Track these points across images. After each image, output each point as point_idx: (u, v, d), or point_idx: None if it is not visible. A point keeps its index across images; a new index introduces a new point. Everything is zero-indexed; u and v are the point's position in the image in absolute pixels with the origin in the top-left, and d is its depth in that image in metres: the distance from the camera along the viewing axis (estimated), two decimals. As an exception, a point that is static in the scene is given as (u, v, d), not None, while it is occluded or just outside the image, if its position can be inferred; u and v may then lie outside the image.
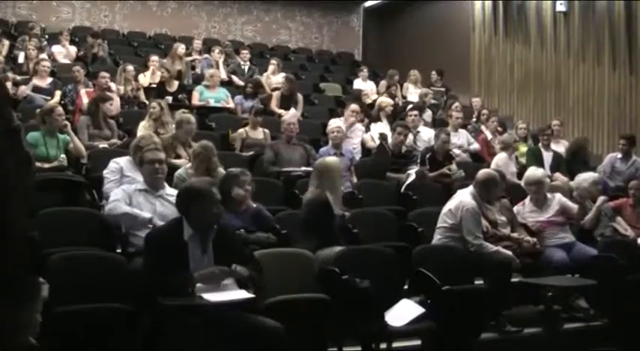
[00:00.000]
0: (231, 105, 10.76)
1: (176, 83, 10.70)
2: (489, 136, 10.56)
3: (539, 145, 9.70)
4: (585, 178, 7.71)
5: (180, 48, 12.43)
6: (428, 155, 8.50)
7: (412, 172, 8.26)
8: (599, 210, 7.35)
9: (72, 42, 12.96)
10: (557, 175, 8.14)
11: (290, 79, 11.31)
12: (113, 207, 5.42)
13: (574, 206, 7.01)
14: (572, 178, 8.09)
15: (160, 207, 5.49)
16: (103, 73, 10.09)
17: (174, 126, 7.98)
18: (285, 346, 4.23)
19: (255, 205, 5.92)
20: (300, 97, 11.15)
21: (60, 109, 7.48)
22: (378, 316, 4.99)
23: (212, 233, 4.48)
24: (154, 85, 10.92)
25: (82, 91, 9.75)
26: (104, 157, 6.97)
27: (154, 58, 11.72)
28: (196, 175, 6.27)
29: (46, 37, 12.97)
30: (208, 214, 4.46)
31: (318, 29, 17.84)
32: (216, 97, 10.71)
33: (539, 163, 8.94)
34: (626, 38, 11.11)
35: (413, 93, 12.75)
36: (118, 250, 5.40)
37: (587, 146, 10.09)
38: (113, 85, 10.19)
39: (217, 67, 12.38)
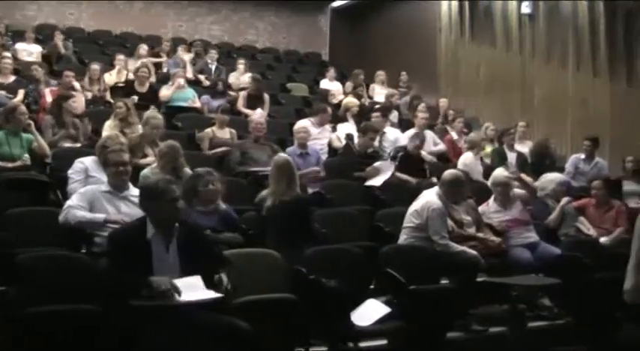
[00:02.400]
0: (198, 105, 10.72)
1: (147, 84, 10.64)
2: (455, 136, 10.63)
3: (504, 145, 9.80)
4: (551, 178, 7.81)
5: (142, 49, 12.37)
6: (400, 153, 8.64)
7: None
8: (563, 210, 7.44)
9: (37, 40, 12.80)
10: (522, 175, 8.21)
11: (257, 78, 11.32)
12: (65, 215, 5.37)
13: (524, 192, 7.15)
14: (536, 179, 8.18)
15: (125, 208, 5.46)
16: (67, 72, 9.99)
17: (140, 126, 7.93)
18: (253, 346, 4.22)
19: (224, 207, 5.91)
20: (267, 97, 11.15)
21: (23, 107, 7.39)
22: (345, 316, 5.00)
23: (175, 231, 4.46)
24: (121, 85, 10.85)
25: (47, 90, 9.65)
26: (69, 156, 6.89)
27: (120, 57, 11.64)
28: (163, 175, 6.23)
29: (10, 34, 12.82)
30: (167, 211, 4.44)
31: (285, 29, 17.82)
32: (183, 96, 10.66)
33: (504, 163, 9.03)
34: (590, 41, 11.23)
35: (380, 94, 12.81)
36: (83, 251, 5.35)
37: (549, 147, 10.21)
38: (77, 85, 10.09)
39: (184, 67, 12.32)
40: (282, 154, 7.03)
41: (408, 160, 8.60)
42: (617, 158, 9.96)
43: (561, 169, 9.34)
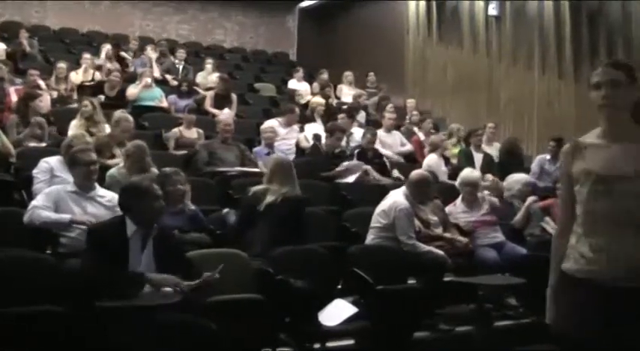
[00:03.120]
0: (165, 104, 10.67)
1: (117, 88, 10.56)
2: (422, 137, 10.68)
3: (471, 146, 9.87)
4: (517, 179, 7.87)
5: (107, 48, 12.29)
6: (357, 151, 8.77)
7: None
8: (529, 210, 7.51)
9: (1, 38, 12.66)
10: (488, 176, 8.27)
11: (225, 78, 11.30)
12: (30, 216, 5.32)
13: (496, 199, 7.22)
14: (503, 179, 8.24)
15: (92, 208, 5.42)
16: (32, 71, 9.89)
17: (107, 125, 7.87)
18: (220, 346, 4.22)
19: (193, 207, 5.89)
20: (234, 96, 11.12)
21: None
22: (313, 316, 5.00)
23: (154, 231, 4.46)
24: (88, 84, 10.77)
25: (12, 89, 9.53)
26: (34, 156, 6.81)
27: (87, 55, 11.54)
28: (129, 175, 6.21)
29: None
30: (150, 209, 4.45)
31: (253, 29, 17.80)
32: (150, 95, 10.61)
33: (471, 164, 9.10)
34: (556, 43, 11.35)
35: (347, 94, 12.85)
36: (48, 251, 5.30)
37: (519, 145, 10.30)
38: (43, 83, 9.99)
39: (151, 66, 12.25)
40: (280, 154, 7.00)
41: (364, 155, 8.72)
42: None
43: (528, 170, 9.42)
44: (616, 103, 3.06)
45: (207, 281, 4.33)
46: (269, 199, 5.88)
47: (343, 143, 9.17)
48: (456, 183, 7.47)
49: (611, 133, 3.09)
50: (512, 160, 9.70)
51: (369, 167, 8.36)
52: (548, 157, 9.74)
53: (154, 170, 6.39)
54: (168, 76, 12.44)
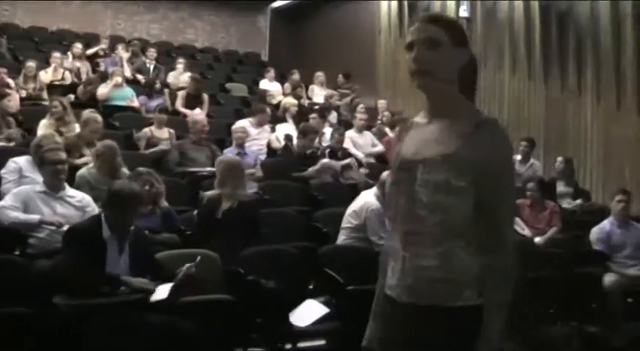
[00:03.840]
0: (136, 104, 10.61)
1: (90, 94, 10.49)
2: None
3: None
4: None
5: (76, 47, 12.20)
6: (327, 151, 8.79)
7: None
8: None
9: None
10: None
11: (196, 78, 11.27)
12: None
13: None
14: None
15: (61, 208, 5.39)
16: (0, 69, 9.80)
17: (77, 125, 7.81)
18: (192, 346, 4.21)
19: (166, 204, 5.88)
20: (205, 96, 11.09)
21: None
22: (284, 316, 5.01)
23: (130, 235, 4.46)
24: (57, 83, 10.68)
25: (-20, 88, 9.44)
26: (2, 156, 6.74)
27: (56, 54, 11.44)
28: (99, 176, 6.18)
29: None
30: (129, 217, 4.50)
31: (225, 29, 17.75)
32: (120, 95, 10.54)
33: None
34: (525, 45, 11.45)
35: (319, 95, 12.87)
36: (17, 252, 5.25)
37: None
38: (12, 82, 9.90)
39: (122, 66, 12.17)
40: (229, 155, 7.01)
41: (334, 155, 8.76)
42: (551, 160, 10.17)
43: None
44: (431, 70, 2.32)
45: (188, 274, 4.34)
46: (225, 205, 5.86)
47: (316, 143, 9.19)
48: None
49: (431, 109, 2.39)
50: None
51: (350, 160, 8.41)
52: (518, 157, 9.81)
53: (125, 171, 6.37)
54: (139, 76, 12.37)
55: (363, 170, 8.83)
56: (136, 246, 4.50)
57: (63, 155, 5.69)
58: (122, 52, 12.81)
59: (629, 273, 6.68)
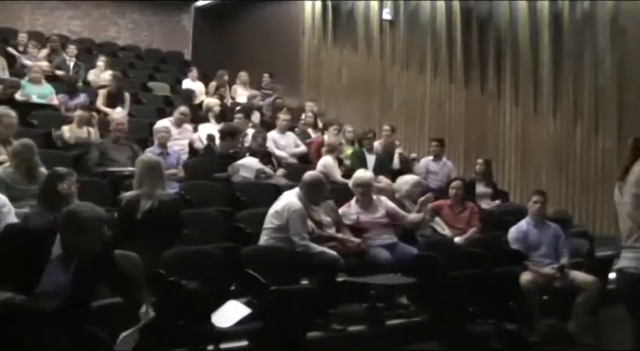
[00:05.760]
0: (55, 102, 10.38)
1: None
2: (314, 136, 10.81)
3: (364, 148, 10.01)
4: (406, 180, 8.02)
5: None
6: (248, 154, 8.76)
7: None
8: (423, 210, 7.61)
9: None
10: (381, 177, 8.40)
11: (118, 76, 11.10)
12: None
13: (404, 214, 7.25)
14: (394, 181, 8.37)
15: (-26, 209, 5.24)
16: None
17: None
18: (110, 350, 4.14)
19: (79, 204, 5.76)
20: (127, 95, 10.95)
21: None
22: (206, 317, 4.98)
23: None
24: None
25: None
26: None
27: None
28: (16, 175, 6.02)
29: None
30: (86, 245, 4.04)
31: (148, 27, 17.56)
32: (40, 92, 10.30)
33: (364, 165, 9.22)
34: (447, 49, 11.66)
35: (242, 95, 12.83)
36: None
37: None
38: None
39: (41, 62, 11.90)
40: (149, 154, 6.93)
41: (255, 157, 8.72)
42: (471, 161, 10.38)
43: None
44: None
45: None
46: (144, 205, 5.81)
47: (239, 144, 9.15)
48: (349, 184, 7.54)
49: None
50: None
51: (263, 167, 8.40)
52: (431, 157, 10.00)
53: (43, 170, 6.21)
54: (59, 73, 12.09)
55: (281, 171, 8.83)
56: (87, 266, 4.05)
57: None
58: (41, 49, 12.51)
59: (545, 271, 6.85)
